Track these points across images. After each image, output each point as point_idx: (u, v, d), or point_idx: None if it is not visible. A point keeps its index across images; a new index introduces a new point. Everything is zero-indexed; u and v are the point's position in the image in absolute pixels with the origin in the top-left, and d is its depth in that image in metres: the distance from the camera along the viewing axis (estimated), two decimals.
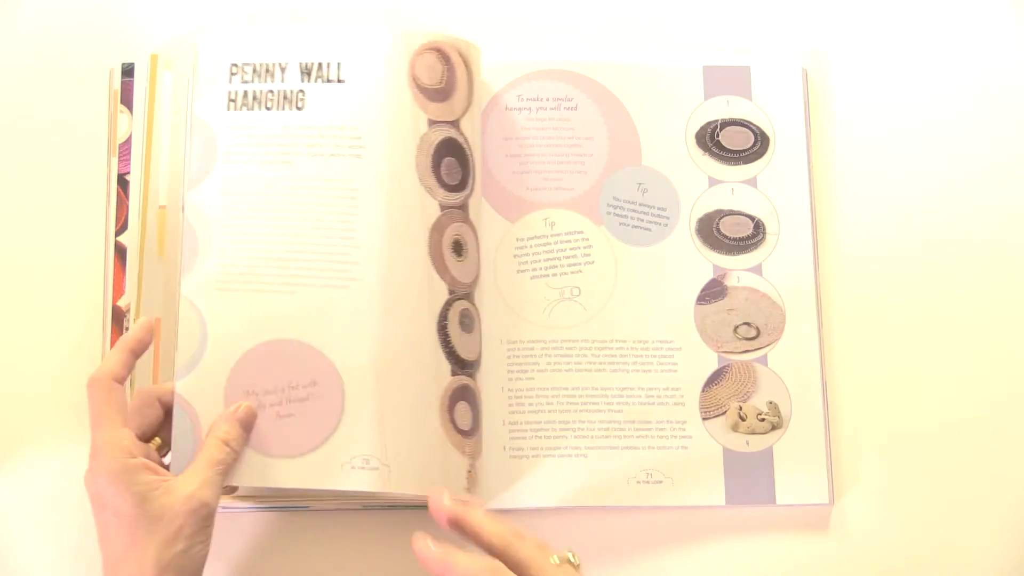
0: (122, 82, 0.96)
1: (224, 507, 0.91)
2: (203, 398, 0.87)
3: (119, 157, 0.95)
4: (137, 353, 0.86)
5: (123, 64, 0.96)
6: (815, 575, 0.94)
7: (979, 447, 0.95)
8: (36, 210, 0.96)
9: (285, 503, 0.91)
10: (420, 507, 0.91)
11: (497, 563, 0.77)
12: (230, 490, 0.89)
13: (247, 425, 0.86)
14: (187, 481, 0.81)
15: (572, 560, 0.79)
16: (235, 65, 0.93)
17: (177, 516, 0.79)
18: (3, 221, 0.97)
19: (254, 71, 0.93)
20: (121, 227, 0.94)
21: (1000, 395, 0.97)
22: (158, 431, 0.86)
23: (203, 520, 0.80)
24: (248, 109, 0.92)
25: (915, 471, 0.95)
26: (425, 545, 0.78)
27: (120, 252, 0.93)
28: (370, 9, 1.01)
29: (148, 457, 0.82)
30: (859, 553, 0.94)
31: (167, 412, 0.86)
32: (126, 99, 0.95)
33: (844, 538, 0.94)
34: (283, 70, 0.93)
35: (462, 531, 0.81)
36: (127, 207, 0.94)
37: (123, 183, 0.94)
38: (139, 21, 0.99)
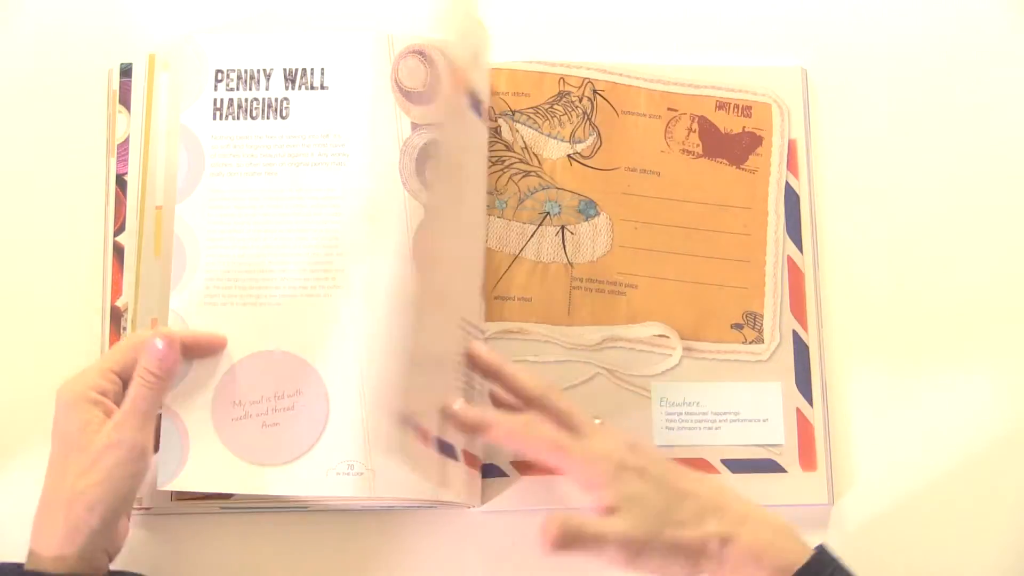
0: (120, 82, 0.96)
1: (225, 507, 0.91)
2: (191, 410, 0.89)
3: (117, 158, 0.95)
4: (188, 351, 0.88)
5: (122, 64, 0.96)
6: None
7: (979, 447, 0.96)
8: (36, 210, 0.97)
9: (284, 504, 0.91)
10: (420, 508, 0.91)
11: (530, 417, 0.81)
12: (224, 497, 0.90)
13: (162, 366, 0.84)
14: (114, 419, 0.82)
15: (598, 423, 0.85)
16: (220, 72, 0.94)
17: (96, 450, 0.81)
18: (3, 221, 0.97)
19: (239, 78, 0.94)
20: (119, 227, 0.94)
21: (1000, 394, 0.97)
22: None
23: (121, 458, 0.81)
24: (234, 118, 0.93)
25: (914, 471, 0.95)
26: (462, 406, 0.82)
27: (118, 252, 0.93)
28: (372, 12, 1.01)
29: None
30: (859, 553, 0.94)
31: None
32: (124, 99, 0.95)
33: (844, 538, 0.94)
34: (268, 77, 0.94)
35: (498, 379, 0.86)
36: (125, 207, 0.94)
37: (121, 183, 0.94)
38: (138, 21, 0.99)
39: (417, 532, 0.93)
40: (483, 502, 0.92)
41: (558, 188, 0.97)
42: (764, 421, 0.95)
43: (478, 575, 0.93)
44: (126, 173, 0.94)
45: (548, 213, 0.97)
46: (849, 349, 0.98)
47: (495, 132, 0.98)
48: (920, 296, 0.98)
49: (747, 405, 0.95)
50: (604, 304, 0.96)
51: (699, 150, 0.99)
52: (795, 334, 0.96)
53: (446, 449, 0.86)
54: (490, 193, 0.97)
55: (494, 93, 0.98)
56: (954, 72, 1.03)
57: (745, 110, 1.00)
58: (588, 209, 0.97)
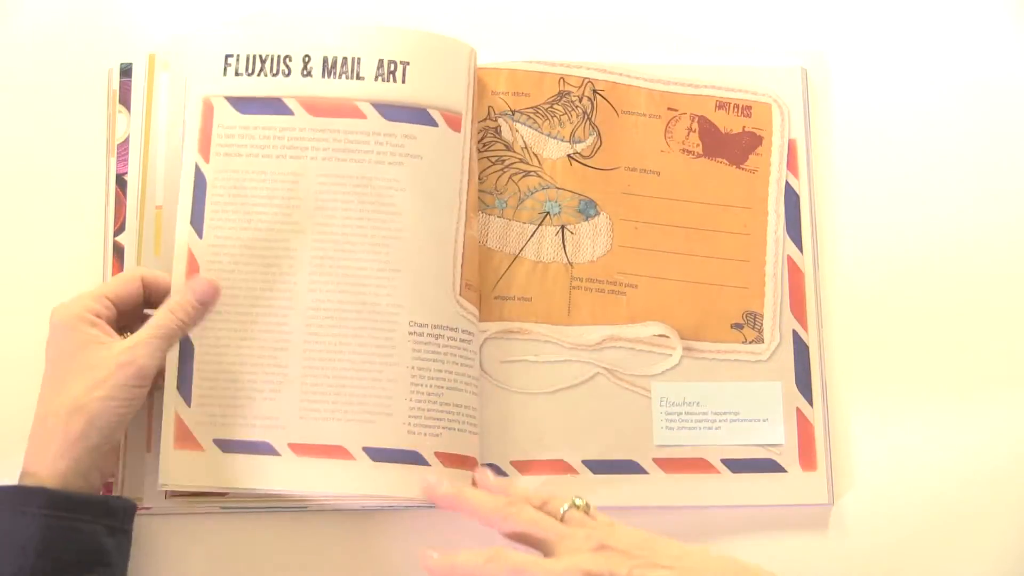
0: (120, 82, 0.96)
1: (224, 507, 0.91)
2: None
3: (117, 157, 0.94)
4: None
5: (121, 64, 0.96)
6: (815, 575, 0.94)
7: (979, 446, 0.96)
8: (36, 210, 0.96)
9: (284, 504, 0.91)
10: (420, 508, 0.92)
11: (496, 549, 0.78)
12: (222, 495, 0.90)
13: (202, 297, 0.89)
14: (127, 341, 0.85)
15: (579, 504, 0.81)
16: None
17: (106, 367, 0.83)
18: (3, 221, 0.97)
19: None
20: (119, 227, 0.94)
21: (1000, 394, 0.97)
22: (134, 313, 0.89)
23: (130, 378, 0.83)
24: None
25: (914, 471, 0.95)
26: (427, 555, 0.79)
27: (119, 252, 0.93)
28: (368, 10, 1.01)
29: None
30: (859, 553, 0.94)
31: (147, 301, 0.89)
32: (124, 99, 0.95)
33: (844, 538, 0.94)
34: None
35: (459, 511, 0.84)
36: (125, 207, 0.94)
37: (121, 183, 0.94)
38: (138, 21, 0.99)
39: (417, 532, 0.93)
40: None
41: (558, 188, 0.97)
42: (764, 421, 0.95)
43: None
44: (126, 173, 0.94)
45: (548, 213, 0.97)
46: (849, 349, 0.97)
47: (495, 132, 0.97)
48: (920, 296, 0.98)
49: (747, 405, 0.95)
50: (604, 304, 0.96)
51: (699, 150, 0.99)
52: (795, 334, 0.96)
53: (386, 456, 0.88)
54: (490, 193, 0.97)
55: (494, 93, 0.98)
56: (955, 71, 1.03)
57: (745, 110, 1.00)
58: (588, 209, 0.97)
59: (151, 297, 0.89)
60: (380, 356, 0.89)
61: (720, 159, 0.99)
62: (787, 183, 0.99)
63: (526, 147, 0.98)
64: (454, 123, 0.93)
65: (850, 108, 1.02)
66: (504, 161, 0.97)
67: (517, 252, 0.96)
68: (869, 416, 0.96)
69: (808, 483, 0.94)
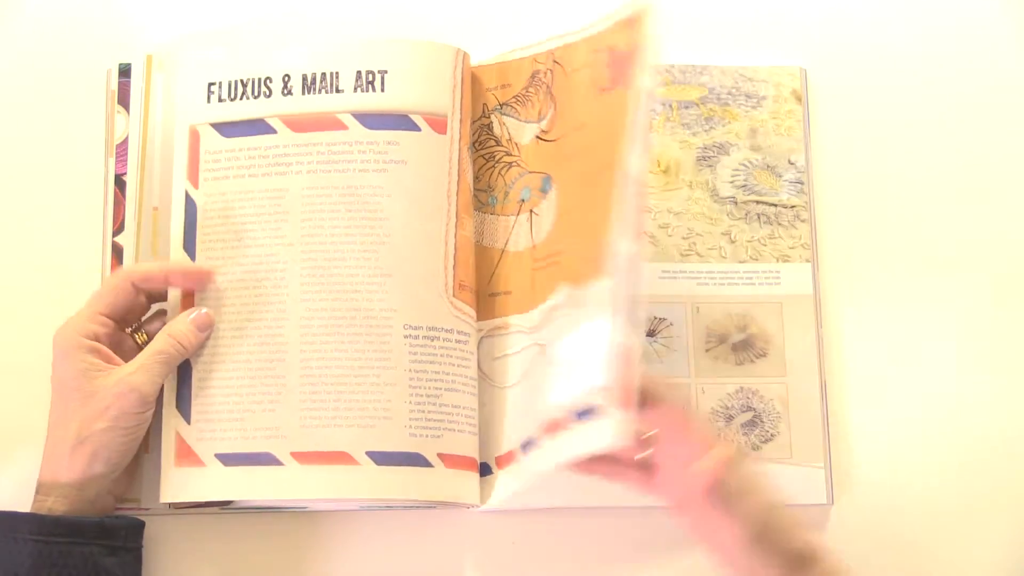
0: (119, 82, 0.97)
1: (224, 508, 0.92)
2: None
3: (116, 158, 0.96)
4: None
5: (120, 64, 0.97)
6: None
7: (979, 446, 0.95)
8: (35, 210, 0.98)
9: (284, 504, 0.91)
10: (420, 508, 0.92)
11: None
12: (224, 504, 0.91)
13: (201, 326, 0.89)
14: (126, 368, 0.86)
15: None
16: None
17: (106, 396, 0.84)
18: (2, 221, 0.98)
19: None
20: (118, 228, 0.95)
21: (1000, 395, 0.97)
22: (137, 315, 0.90)
23: (132, 405, 0.84)
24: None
25: (915, 471, 0.94)
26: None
27: (117, 253, 0.94)
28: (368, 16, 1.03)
29: (123, 345, 0.88)
30: (859, 553, 0.93)
31: (147, 298, 0.90)
32: (123, 100, 0.96)
33: (844, 538, 0.94)
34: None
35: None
36: (124, 208, 0.95)
37: (120, 184, 0.95)
38: (137, 22, 1.01)
39: (417, 532, 0.93)
40: (482, 502, 0.92)
41: (530, 172, 0.96)
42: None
43: (478, 575, 0.93)
44: (125, 173, 0.95)
45: (524, 200, 0.96)
46: (848, 348, 0.97)
47: (487, 129, 0.98)
48: (919, 296, 0.98)
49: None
50: (549, 279, 0.92)
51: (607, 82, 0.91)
52: None
53: (389, 459, 0.88)
54: (484, 191, 0.97)
55: (487, 90, 0.98)
56: (954, 71, 1.02)
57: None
58: (546, 185, 0.95)
59: (150, 293, 0.90)
60: (377, 360, 0.89)
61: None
62: None
63: (510, 138, 0.97)
64: (438, 126, 0.93)
65: (850, 108, 1.01)
66: (495, 157, 0.97)
67: (503, 247, 0.96)
68: (869, 416, 0.96)
69: (808, 483, 0.94)
